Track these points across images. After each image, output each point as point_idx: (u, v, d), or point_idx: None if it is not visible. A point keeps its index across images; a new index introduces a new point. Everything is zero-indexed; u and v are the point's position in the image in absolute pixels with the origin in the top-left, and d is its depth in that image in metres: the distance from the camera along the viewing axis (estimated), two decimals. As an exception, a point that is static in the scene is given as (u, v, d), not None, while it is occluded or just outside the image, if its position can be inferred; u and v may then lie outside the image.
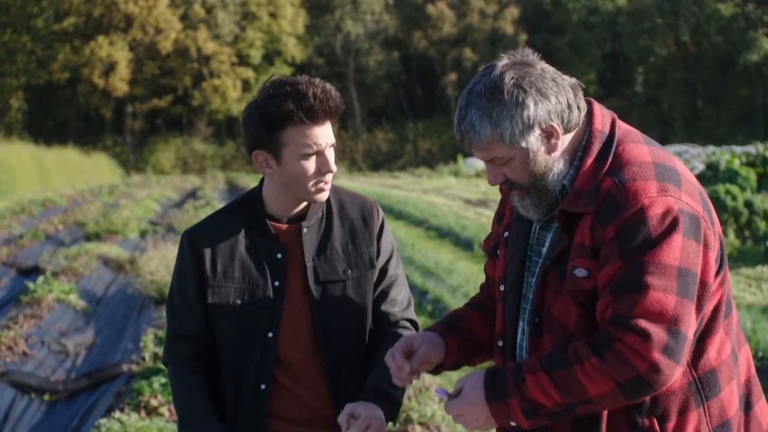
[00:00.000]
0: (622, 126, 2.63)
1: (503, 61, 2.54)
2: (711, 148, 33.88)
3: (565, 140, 2.58)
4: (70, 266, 12.81)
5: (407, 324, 3.22)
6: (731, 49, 63.66)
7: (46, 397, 7.76)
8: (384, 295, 3.20)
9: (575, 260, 2.50)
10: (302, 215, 3.11)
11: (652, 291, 2.37)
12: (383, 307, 3.19)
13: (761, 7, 63.46)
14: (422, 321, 10.08)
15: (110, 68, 56.29)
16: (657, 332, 2.35)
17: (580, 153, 2.57)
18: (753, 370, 2.67)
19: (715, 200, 16.26)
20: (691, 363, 2.51)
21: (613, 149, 2.54)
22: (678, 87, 66.68)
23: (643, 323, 2.36)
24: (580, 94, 2.61)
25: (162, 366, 7.41)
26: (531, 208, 2.62)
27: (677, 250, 2.39)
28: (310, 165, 2.98)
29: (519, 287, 2.72)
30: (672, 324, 2.36)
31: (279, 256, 3.07)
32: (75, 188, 36.04)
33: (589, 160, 2.54)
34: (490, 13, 66.27)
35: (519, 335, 2.72)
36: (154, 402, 6.63)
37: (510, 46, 65.86)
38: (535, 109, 2.48)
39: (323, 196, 3.06)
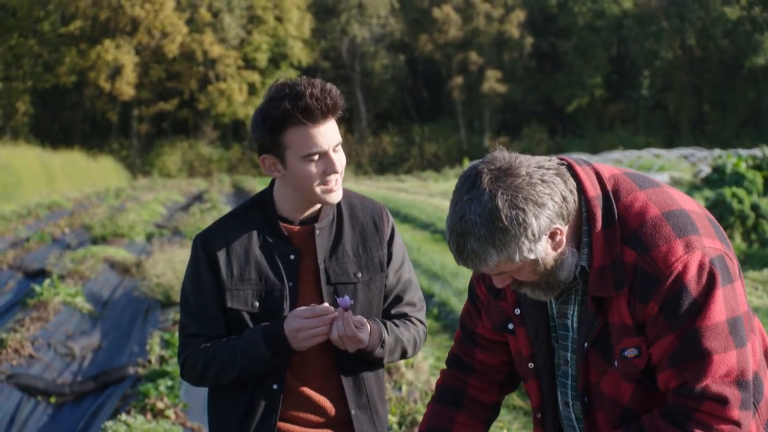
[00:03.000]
0: (605, 175, 2.52)
1: (486, 177, 2.37)
2: (717, 152, 33.87)
3: (567, 229, 2.49)
4: (77, 269, 12.82)
5: (417, 322, 3.24)
6: (737, 53, 63.63)
7: (53, 399, 7.76)
8: (399, 299, 3.21)
9: (622, 342, 2.45)
10: (314, 217, 3.11)
11: (714, 355, 2.36)
12: (398, 309, 3.21)
13: (767, 10, 63.38)
14: (428, 324, 10.06)
15: (116, 72, 56.36)
16: (731, 392, 2.36)
17: (585, 227, 2.48)
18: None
19: (722, 203, 16.24)
20: None
21: (616, 211, 2.46)
22: (684, 90, 66.63)
23: (715, 388, 2.36)
24: (563, 170, 2.47)
25: (168, 369, 7.42)
26: (544, 295, 2.55)
27: (721, 305, 2.37)
28: (314, 167, 2.96)
29: (551, 362, 2.68)
30: (740, 377, 2.37)
31: (292, 257, 3.07)
32: (81, 191, 36.08)
33: (598, 232, 2.46)
34: (496, 17, 66.27)
35: (561, 407, 2.70)
36: (160, 404, 6.63)
37: (516, 49, 65.91)
38: (538, 223, 2.36)
39: (334, 197, 3.04)
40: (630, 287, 2.42)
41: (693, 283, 2.36)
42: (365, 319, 3.02)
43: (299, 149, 2.94)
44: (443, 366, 3.03)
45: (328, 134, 2.95)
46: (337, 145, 2.99)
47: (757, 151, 25.62)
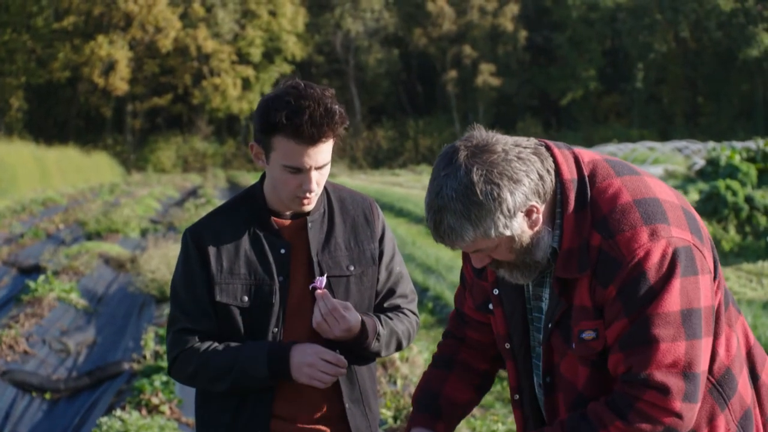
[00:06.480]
0: (585, 159, 2.54)
1: (462, 153, 2.41)
2: (711, 144, 33.89)
3: (543, 208, 2.50)
4: (71, 265, 12.81)
5: (410, 313, 3.24)
6: (731, 45, 63.63)
7: (48, 395, 7.76)
8: (391, 292, 3.22)
9: (580, 324, 2.47)
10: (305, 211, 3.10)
11: (662, 343, 2.36)
12: (390, 302, 3.21)
13: (761, 2, 63.40)
14: (423, 318, 10.09)
15: (110, 67, 56.26)
16: (675, 383, 2.36)
17: (558, 209, 2.49)
18: (752, 339, 2.65)
19: (716, 196, 16.26)
20: (708, 371, 2.49)
21: (589, 195, 2.48)
22: (678, 83, 66.65)
23: (659, 377, 2.36)
24: (542, 150, 2.49)
25: (163, 364, 7.41)
26: (521, 278, 2.57)
27: (677, 295, 2.37)
28: (292, 178, 2.95)
29: (527, 343, 2.69)
30: (687, 369, 2.37)
31: (283, 251, 3.06)
32: (76, 187, 36.06)
33: (570, 214, 2.47)
34: (490, 10, 66.21)
35: (536, 389, 2.71)
36: (155, 400, 6.63)
37: (510, 42, 65.87)
38: (513, 198, 2.39)
39: (305, 208, 3.06)
40: (593, 270, 2.43)
41: (652, 271, 2.37)
42: (349, 304, 3.01)
43: (282, 158, 2.93)
44: (438, 360, 3.06)
45: (314, 156, 2.92)
46: (322, 166, 2.97)
47: (751, 144, 25.66)
